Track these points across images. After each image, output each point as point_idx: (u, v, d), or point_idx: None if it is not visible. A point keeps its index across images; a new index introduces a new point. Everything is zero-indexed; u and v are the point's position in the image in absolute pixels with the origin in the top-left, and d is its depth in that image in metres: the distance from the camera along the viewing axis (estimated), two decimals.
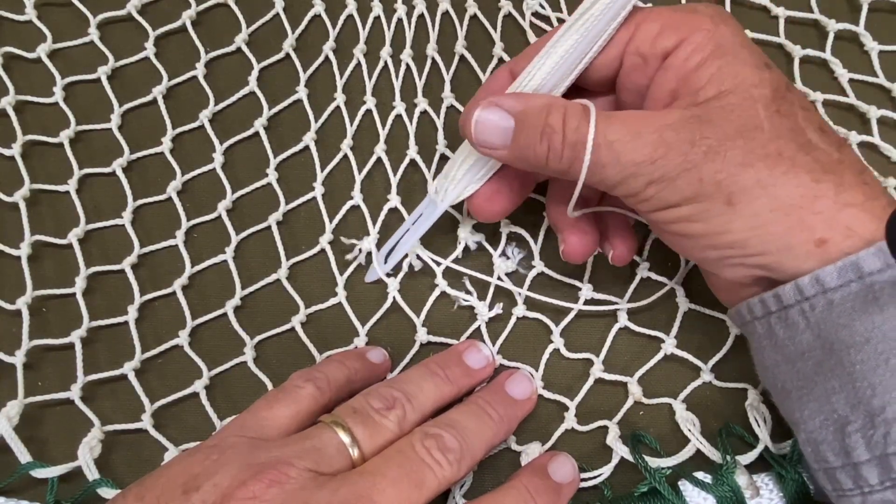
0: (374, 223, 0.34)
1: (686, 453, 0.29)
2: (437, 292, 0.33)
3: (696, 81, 0.25)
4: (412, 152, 0.35)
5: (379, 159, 0.35)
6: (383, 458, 0.24)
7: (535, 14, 0.38)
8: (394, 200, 0.34)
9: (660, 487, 0.28)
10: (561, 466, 0.28)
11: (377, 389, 0.27)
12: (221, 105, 0.36)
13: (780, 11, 0.38)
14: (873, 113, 0.35)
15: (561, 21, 0.36)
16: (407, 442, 0.25)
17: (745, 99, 0.24)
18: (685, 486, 0.28)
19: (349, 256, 0.33)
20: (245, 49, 0.36)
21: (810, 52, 0.37)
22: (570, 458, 0.28)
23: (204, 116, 0.35)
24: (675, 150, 0.24)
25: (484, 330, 0.32)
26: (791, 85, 0.25)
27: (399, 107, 0.36)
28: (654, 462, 0.29)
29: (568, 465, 0.28)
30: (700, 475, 0.28)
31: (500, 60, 0.36)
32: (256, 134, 0.35)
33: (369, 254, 0.33)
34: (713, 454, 0.29)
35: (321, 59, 0.37)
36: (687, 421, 0.30)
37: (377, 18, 0.37)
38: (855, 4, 0.38)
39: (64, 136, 0.34)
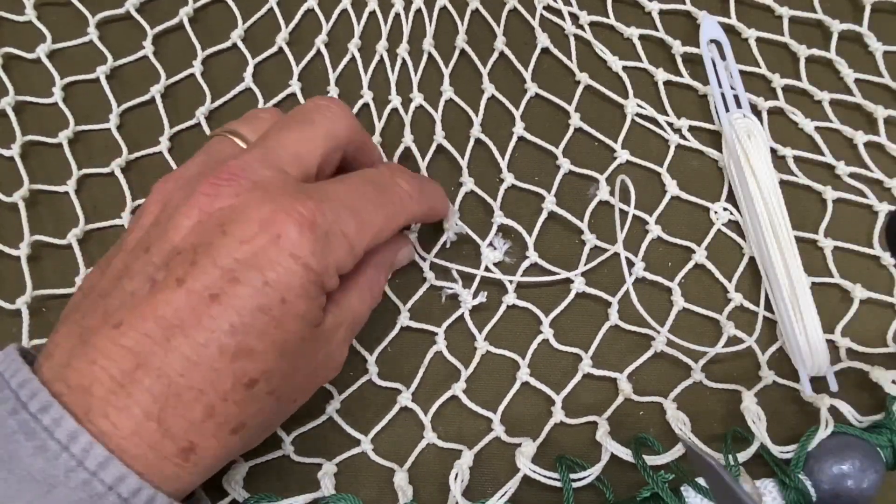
0: None
1: (676, 452, 0.29)
2: (426, 285, 0.32)
3: None
4: (407, 140, 0.34)
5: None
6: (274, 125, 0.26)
7: (547, 7, 0.37)
8: None
9: (662, 493, 0.27)
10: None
11: None
12: (218, 102, 0.35)
13: (784, 11, 0.37)
14: (880, 112, 0.35)
15: (573, 16, 0.36)
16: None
17: None
18: (688, 492, 0.28)
19: None
20: (241, 45, 0.36)
21: (815, 51, 0.36)
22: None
23: (200, 114, 0.35)
24: None
25: (468, 317, 0.32)
26: None
27: (395, 100, 0.35)
28: (648, 460, 0.28)
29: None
30: (702, 481, 0.28)
31: (501, 55, 0.36)
32: None
33: None
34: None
35: (313, 52, 0.36)
36: (677, 420, 0.30)
37: (372, 13, 0.36)
38: (858, 4, 0.38)
39: (63, 137, 0.34)
